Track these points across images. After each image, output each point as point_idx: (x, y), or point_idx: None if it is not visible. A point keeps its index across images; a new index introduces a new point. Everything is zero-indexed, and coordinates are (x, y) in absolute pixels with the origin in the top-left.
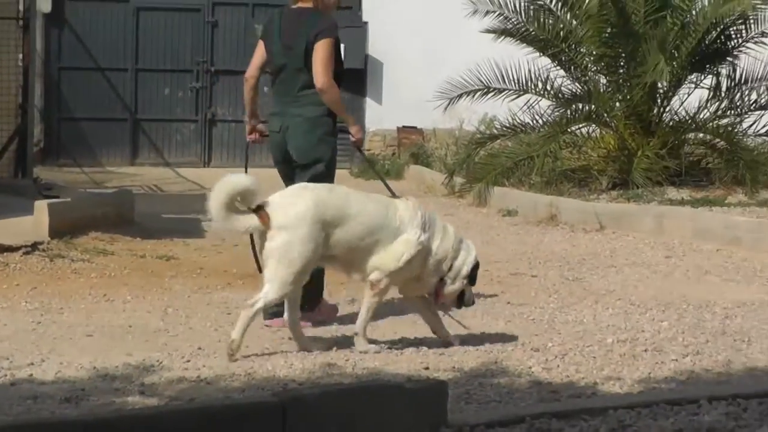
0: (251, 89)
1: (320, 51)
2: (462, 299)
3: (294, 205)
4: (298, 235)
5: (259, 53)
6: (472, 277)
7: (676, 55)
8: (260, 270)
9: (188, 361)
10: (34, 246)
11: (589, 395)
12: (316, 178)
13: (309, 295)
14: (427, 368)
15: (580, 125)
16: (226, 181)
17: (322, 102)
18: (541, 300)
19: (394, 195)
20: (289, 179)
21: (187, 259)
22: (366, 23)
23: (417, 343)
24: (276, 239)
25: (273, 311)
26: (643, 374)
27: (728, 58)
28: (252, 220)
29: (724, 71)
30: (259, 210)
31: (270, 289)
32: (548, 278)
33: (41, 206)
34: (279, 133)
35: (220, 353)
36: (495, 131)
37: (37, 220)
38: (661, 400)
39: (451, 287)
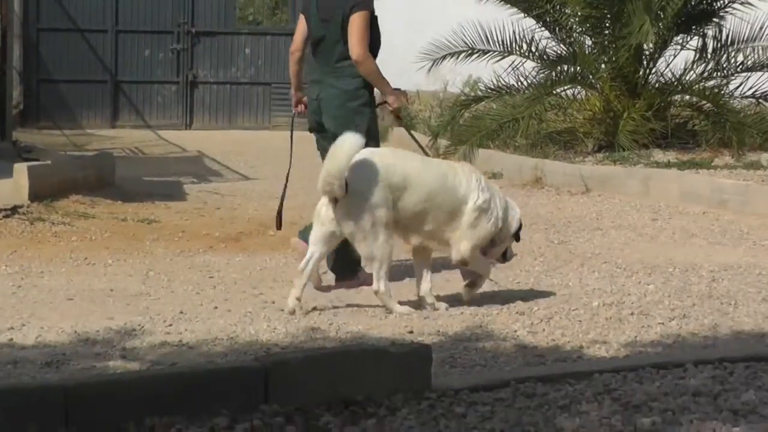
0: (296, 63)
1: (356, 23)
2: (506, 255)
3: (364, 170)
4: (370, 202)
5: (301, 28)
6: (517, 235)
7: (662, 16)
8: (278, 227)
9: (170, 325)
10: (14, 209)
11: (574, 359)
12: None
13: (347, 264)
14: (411, 332)
15: (566, 87)
16: (350, 143)
17: (358, 74)
18: (527, 263)
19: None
20: (322, 148)
21: (169, 222)
22: None
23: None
24: (351, 206)
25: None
26: (629, 338)
27: (714, 19)
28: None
29: (710, 32)
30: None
31: (377, 265)
32: (534, 241)
33: (21, 169)
34: (315, 100)
35: (202, 317)
36: (479, 93)
37: (16, 184)
38: (647, 363)
39: (501, 245)
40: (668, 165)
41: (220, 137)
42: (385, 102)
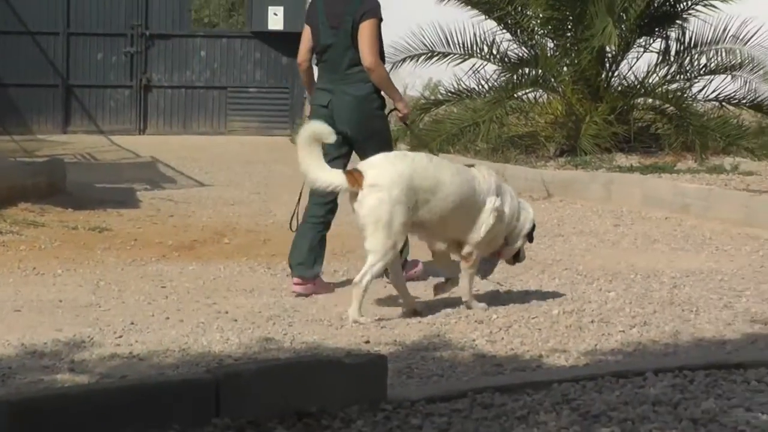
0: (305, 72)
1: (367, 30)
2: (517, 256)
3: (392, 167)
4: (392, 196)
5: (306, 36)
6: (530, 236)
7: (625, 17)
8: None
9: (120, 336)
10: None
11: (533, 368)
12: (381, 149)
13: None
14: (367, 342)
15: (527, 90)
16: (304, 128)
17: (368, 79)
18: None
19: None
20: (330, 153)
21: (121, 230)
22: None
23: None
24: (368, 199)
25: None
26: (589, 346)
27: (677, 21)
28: (336, 178)
29: (673, 35)
30: (352, 171)
31: (373, 260)
32: None
33: None
34: (326, 107)
35: (153, 328)
36: (440, 97)
37: None
38: (607, 372)
39: (514, 246)
40: (631, 169)
41: (175, 142)
42: (395, 109)
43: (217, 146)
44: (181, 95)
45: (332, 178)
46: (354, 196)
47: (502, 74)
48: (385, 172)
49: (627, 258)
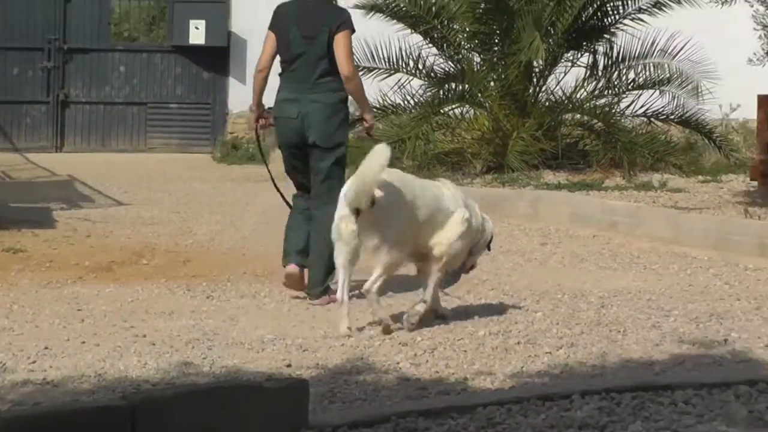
0: (264, 80)
1: (343, 41)
2: (472, 266)
3: (395, 187)
4: (397, 216)
5: (271, 44)
6: (489, 246)
7: (552, 32)
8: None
9: (34, 362)
10: None
11: (458, 392)
12: (339, 161)
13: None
14: (289, 366)
15: (454, 106)
16: (384, 151)
17: (338, 89)
18: (411, 292)
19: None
20: (302, 162)
21: (36, 251)
22: None
23: (279, 338)
24: (379, 219)
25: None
26: (516, 368)
27: (605, 35)
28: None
29: (601, 49)
30: None
31: (381, 271)
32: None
33: None
34: (296, 119)
35: (68, 353)
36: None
37: None
38: (533, 395)
39: (476, 256)
40: (558, 186)
41: (93, 160)
42: (362, 119)
43: (137, 164)
44: (99, 111)
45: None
46: (356, 213)
47: (428, 89)
48: (393, 192)
49: (554, 277)
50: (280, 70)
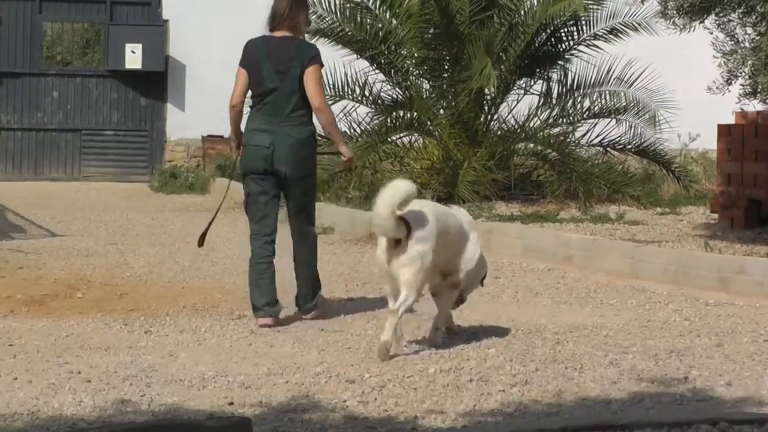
0: (239, 113)
1: (314, 75)
2: (462, 299)
3: (427, 220)
4: (429, 247)
5: (243, 80)
6: (482, 281)
7: (504, 58)
8: (200, 244)
9: None
10: None
11: (408, 431)
12: (309, 191)
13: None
14: (231, 403)
15: (402, 134)
16: (400, 186)
17: (308, 123)
18: (358, 326)
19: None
20: (266, 191)
21: None
22: (167, 21)
23: (221, 375)
24: (414, 249)
25: (262, 307)
26: (468, 407)
27: (559, 62)
28: (403, 229)
29: (555, 76)
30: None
31: (409, 294)
32: (366, 302)
33: None
34: (268, 148)
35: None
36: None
37: None
38: None
39: (471, 289)
40: (511, 218)
41: (25, 189)
42: (339, 153)
43: (71, 193)
44: (31, 138)
45: (402, 228)
46: (395, 242)
47: (375, 117)
48: (427, 226)
49: (507, 312)
50: (251, 103)
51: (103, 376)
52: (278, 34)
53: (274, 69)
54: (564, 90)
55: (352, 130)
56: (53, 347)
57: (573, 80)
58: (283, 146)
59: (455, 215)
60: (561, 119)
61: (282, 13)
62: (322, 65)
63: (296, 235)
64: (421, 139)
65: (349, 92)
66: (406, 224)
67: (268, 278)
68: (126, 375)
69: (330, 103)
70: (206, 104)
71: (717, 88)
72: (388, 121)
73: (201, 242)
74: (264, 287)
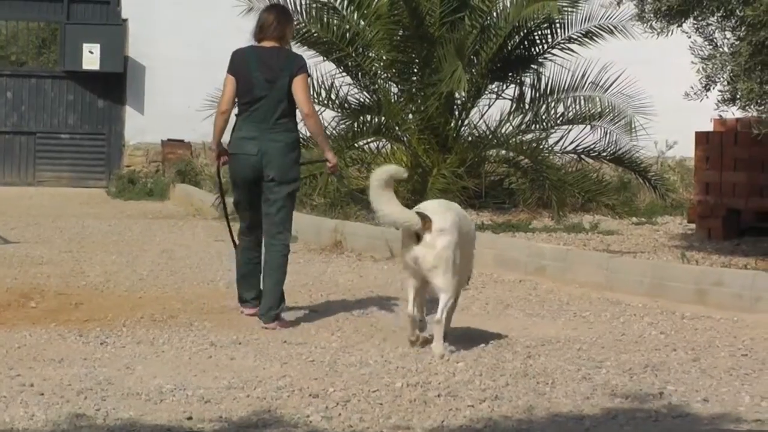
0: (226, 121)
1: (302, 84)
2: None
3: (449, 213)
4: (454, 240)
5: (232, 86)
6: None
7: (476, 61)
8: (235, 245)
9: None
10: None
11: None
12: (291, 195)
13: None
14: (190, 418)
15: (369, 140)
16: (381, 169)
17: (293, 129)
18: (323, 339)
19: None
20: (255, 199)
21: None
22: (125, 21)
23: (179, 388)
24: (439, 241)
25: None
26: (435, 422)
27: (533, 66)
28: (414, 216)
29: (528, 80)
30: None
31: (448, 298)
32: (331, 313)
33: None
34: (256, 155)
35: None
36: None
37: None
38: None
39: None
40: (482, 227)
41: None
42: (324, 161)
43: (25, 198)
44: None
45: (409, 216)
46: (415, 238)
47: (341, 121)
48: (448, 218)
49: (477, 325)
50: (237, 110)
51: (57, 389)
52: (266, 44)
53: (264, 78)
54: (537, 95)
55: None
56: (5, 359)
57: (546, 85)
58: (272, 151)
59: (466, 214)
60: (534, 125)
61: (270, 25)
62: (308, 74)
63: (272, 240)
64: (389, 145)
65: (315, 96)
66: (424, 218)
67: (257, 274)
68: (81, 388)
69: None
70: (166, 107)
71: (695, 94)
72: (355, 125)
73: (235, 245)
74: (254, 282)
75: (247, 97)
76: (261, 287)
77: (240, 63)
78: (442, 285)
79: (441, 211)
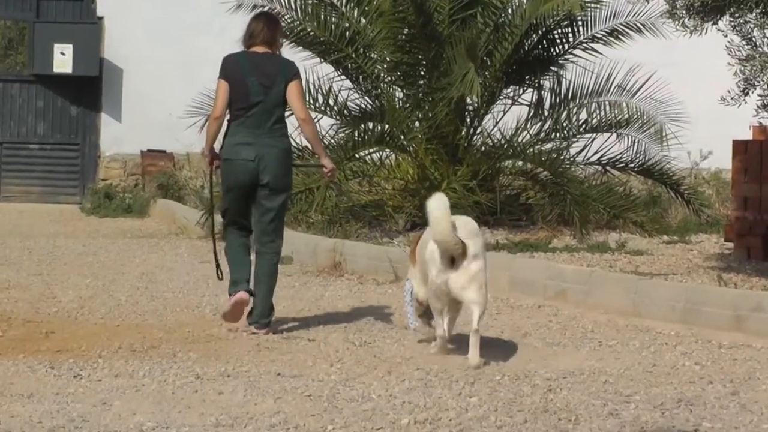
0: (219, 126)
1: (297, 89)
2: None
3: (479, 238)
4: (485, 262)
5: (225, 92)
6: None
7: (489, 63)
8: (220, 275)
9: None
10: None
11: None
12: (285, 204)
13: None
14: None
15: (371, 150)
16: (442, 199)
17: (287, 135)
18: (320, 371)
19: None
20: (247, 202)
21: None
22: (101, 19)
23: (161, 426)
24: (474, 265)
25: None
26: None
27: (552, 68)
28: (460, 241)
29: (547, 84)
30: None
31: (482, 312)
32: (329, 343)
33: None
34: (253, 161)
35: None
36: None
37: None
38: None
39: None
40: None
41: None
42: (321, 165)
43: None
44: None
45: (457, 240)
46: (450, 261)
47: (340, 130)
48: (479, 243)
49: (492, 355)
50: (230, 116)
51: (26, 426)
52: (258, 49)
53: (260, 83)
54: (557, 100)
55: None
56: None
57: (568, 89)
58: (269, 156)
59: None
60: (554, 133)
61: (260, 31)
62: (301, 80)
63: (264, 248)
64: (393, 156)
65: (311, 101)
66: (462, 242)
67: (249, 263)
68: (52, 426)
69: (287, 114)
70: (146, 114)
71: (732, 98)
72: (356, 134)
73: (220, 275)
74: (247, 267)
75: (244, 102)
76: (249, 276)
77: (234, 68)
78: (476, 298)
79: (474, 236)
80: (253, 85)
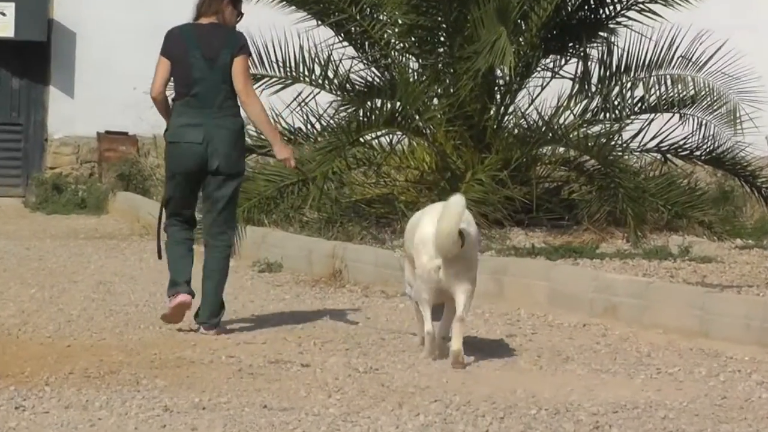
0: (164, 104)
1: (242, 64)
2: None
3: (471, 226)
4: (477, 252)
5: (165, 69)
6: None
7: (524, 27)
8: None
9: None
10: None
11: None
12: (237, 191)
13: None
14: None
15: (380, 132)
16: (458, 203)
17: (239, 114)
18: (316, 402)
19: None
20: (192, 190)
21: None
22: None
23: None
24: (467, 256)
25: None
26: None
27: (601, 33)
28: (459, 242)
29: (594, 53)
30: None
31: (468, 302)
32: (327, 368)
33: None
34: (201, 144)
35: None
36: (249, 141)
37: None
38: None
39: None
40: (533, 252)
41: None
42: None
43: None
44: None
45: (457, 249)
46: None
47: (342, 108)
48: (472, 231)
49: (526, 384)
50: (174, 95)
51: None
52: (204, 20)
53: (203, 56)
54: (607, 73)
55: (308, 126)
56: None
57: (620, 59)
58: (218, 139)
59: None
60: (603, 113)
61: (204, 1)
62: (250, 55)
63: (214, 240)
64: (406, 140)
65: (305, 73)
66: (461, 236)
67: (190, 260)
68: None
69: (277, 88)
70: (104, 88)
71: None
72: (361, 113)
73: (160, 255)
74: (187, 266)
75: (185, 79)
76: (190, 276)
77: (175, 43)
78: (465, 290)
79: (468, 225)
80: (195, 59)
